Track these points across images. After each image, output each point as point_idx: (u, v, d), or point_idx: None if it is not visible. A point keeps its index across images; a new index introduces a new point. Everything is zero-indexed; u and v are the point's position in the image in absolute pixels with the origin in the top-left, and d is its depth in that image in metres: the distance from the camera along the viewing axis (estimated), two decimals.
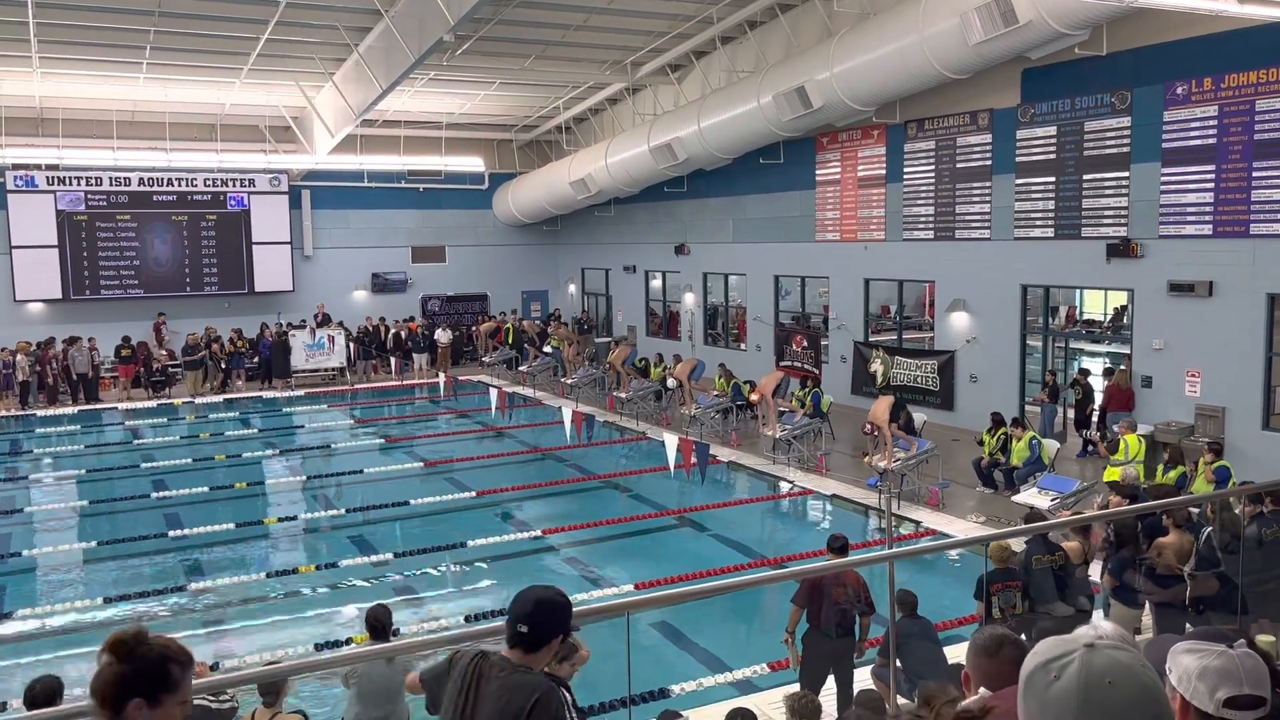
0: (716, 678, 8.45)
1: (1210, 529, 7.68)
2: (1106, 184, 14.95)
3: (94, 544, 12.79)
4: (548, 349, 26.18)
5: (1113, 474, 11.98)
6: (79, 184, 25.16)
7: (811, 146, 20.70)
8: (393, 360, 26.47)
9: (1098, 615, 8.05)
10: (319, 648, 9.26)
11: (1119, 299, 17.04)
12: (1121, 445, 12.17)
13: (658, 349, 23.66)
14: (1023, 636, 7.31)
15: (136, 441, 19.33)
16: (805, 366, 20.68)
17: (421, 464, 16.93)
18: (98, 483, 16.05)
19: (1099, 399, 15.48)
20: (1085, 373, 16.20)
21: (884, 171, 19.07)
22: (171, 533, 13.03)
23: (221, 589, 11.04)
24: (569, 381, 22.45)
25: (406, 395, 24.74)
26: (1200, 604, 7.20)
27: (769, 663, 8.46)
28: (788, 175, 21.42)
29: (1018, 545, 7.83)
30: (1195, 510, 8.33)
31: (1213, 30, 13.21)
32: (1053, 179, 15.77)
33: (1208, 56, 13.39)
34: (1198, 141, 13.63)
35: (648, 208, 26.39)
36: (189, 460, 17.40)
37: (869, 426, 13.88)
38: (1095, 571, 8.24)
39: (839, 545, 7.55)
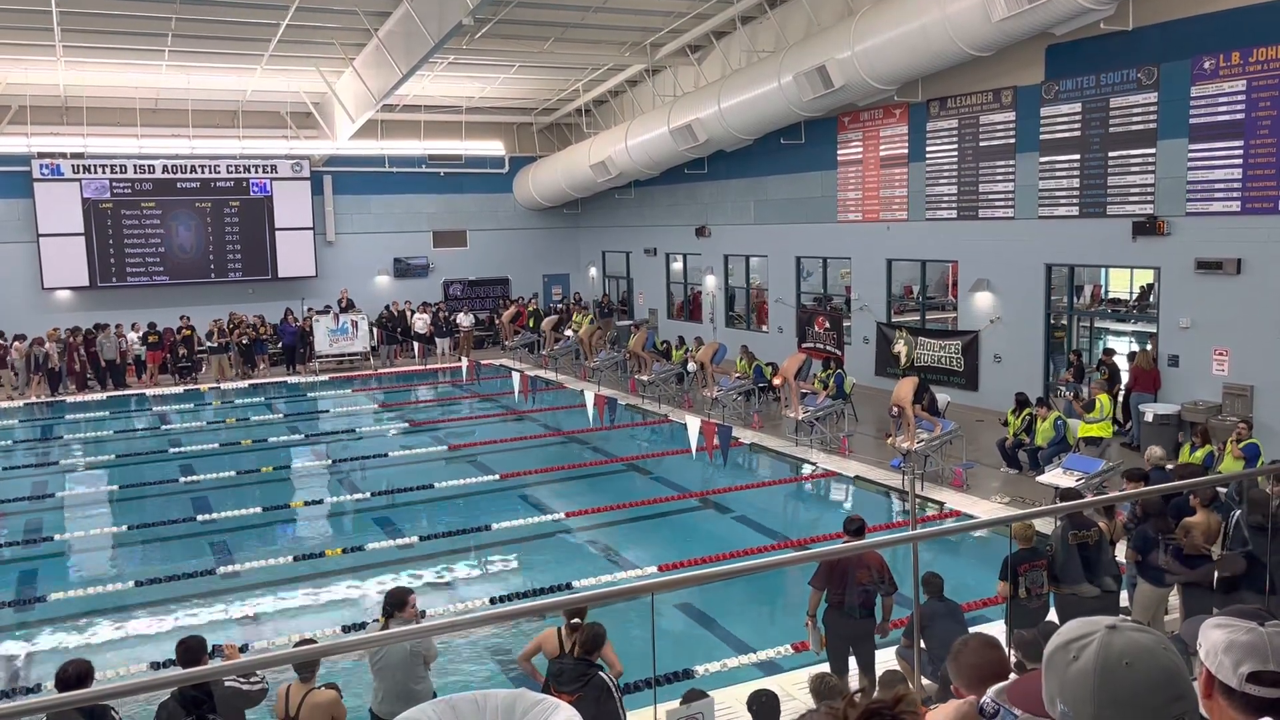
0: (740, 659, 8.48)
1: (1240, 511, 7.61)
2: (1132, 161, 14.78)
3: (124, 528, 12.96)
4: (569, 332, 26.22)
5: (1087, 430, 12.85)
6: (104, 172, 25.37)
7: (833, 126, 20.56)
8: (415, 345, 26.62)
9: (1124, 596, 8.02)
10: (346, 629, 9.36)
11: (1145, 277, 16.87)
12: (1097, 404, 12.89)
13: (679, 332, 23.63)
14: (1052, 616, 7.32)
15: (164, 427, 19.53)
16: (827, 348, 20.64)
17: (445, 447, 17.03)
18: (127, 468, 16.25)
19: (1125, 378, 15.37)
20: (1110, 352, 16.07)
21: (906, 151, 18.93)
22: (199, 517, 13.18)
23: (249, 572, 11.16)
24: (591, 365, 22.49)
25: (429, 379, 24.86)
26: (1228, 584, 7.14)
27: (793, 644, 8.48)
28: (809, 155, 21.29)
29: (1049, 523, 7.80)
30: (1223, 490, 8.26)
31: (1241, 3, 13.01)
32: (1077, 156, 15.60)
33: (1236, 30, 13.18)
34: (1226, 117, 13.43)
35: (668, 190, 26.32)
36: (216, 445, 17.58)
37: (895, 409, 13.84)
38: (1121, 553, 8.20)
39: (855, 527, 7.56)
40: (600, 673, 5.92)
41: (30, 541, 12.50)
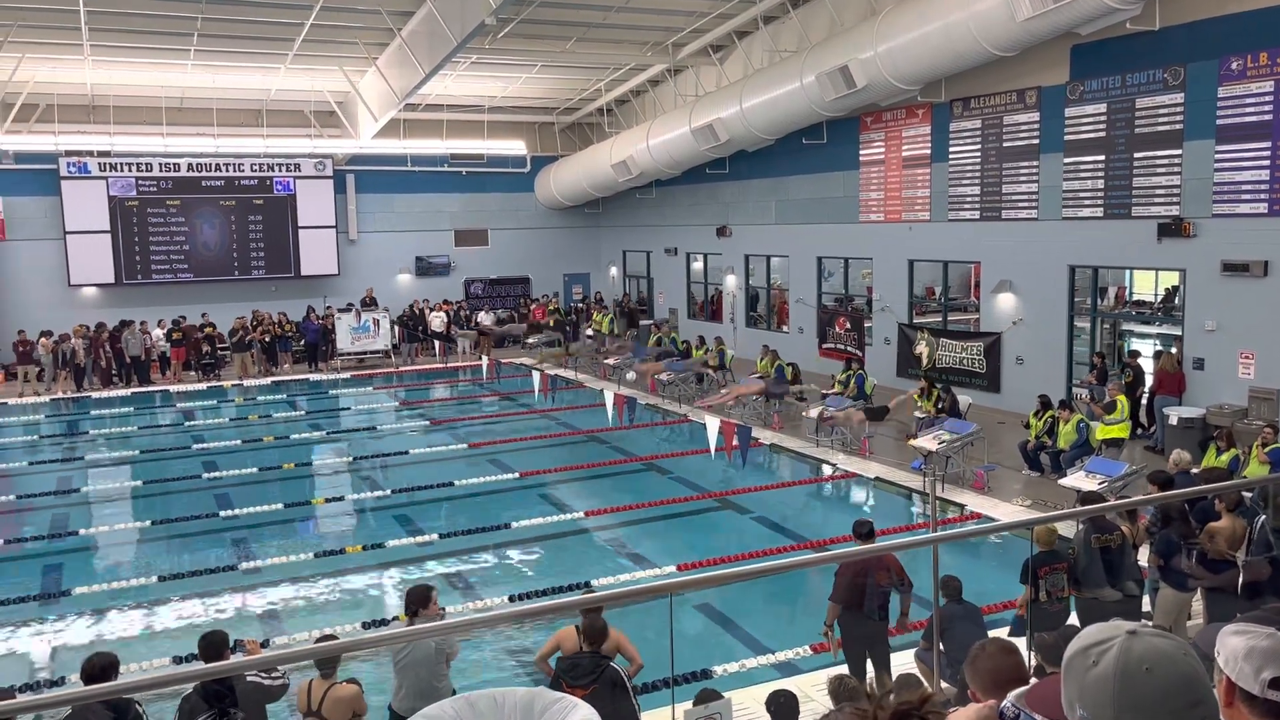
0: (759, 659, 8.47)
1: (1265, 516, 7.53)
2: (1158, 162, 14.65)
3: (148, 523, 13.08)
4: (589, 332, 26.29)
5: (1106, 432, 12.87)
6: (130, 170, 25.61)
7: (855, 126, 20.49)
8: (436, 343, 26.72)
9: (1146, 601, 7.95)
10: (366, 626, 9.41)
11: (1170, 279, 16.72)
12: (1118, 405, 12.99)
13: (699, 331, 23.63)
14: (1073, 619, 7.27)
15: (188, 423, 19.70)
16: (848, 349, 20.59)
17: (465, 446, 17.10)
18: (150, 464, 16.40)
19: (1149, 381, 15.24)
20: (1135, 354, 15.94)
21: (929, 151, 18.84)
22: (222, 513, 13.29)
23: (270, 568, 11.24)
24: (611, 363, 22.51)
25: (450, 378, 24.95)
26: (1252, 589, 7.08)
27: (811, 645, 8.46)
28: (831, 155, 21.23)
29: (1071, 526, 7.75)
30: (1249, 495, 8.17)
31: (1269, 3, 12.86)
32: (1102, 157, 15.48)
33: (1264, 30, 13.03)
34: (1254, 118, 13.29)
35: (689, 190, 26.30)
36: (238, 442, 17.71)
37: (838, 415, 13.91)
38: (1144, 557, 8.13)
39: (866, 530, 7.54)
40: (612, 665, 5.92)
41: (55, 536, 12.64)
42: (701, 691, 5.75)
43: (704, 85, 22.70)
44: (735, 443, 13.79)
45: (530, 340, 26.92)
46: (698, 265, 27.70)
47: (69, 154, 24.92)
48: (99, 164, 25.28)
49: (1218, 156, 13.78)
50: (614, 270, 31.48)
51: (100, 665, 5.46)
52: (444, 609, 7.74)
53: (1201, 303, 14.19)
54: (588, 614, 6.28)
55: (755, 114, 19.70)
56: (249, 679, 5.73)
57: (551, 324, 27.24)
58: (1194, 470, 10.12)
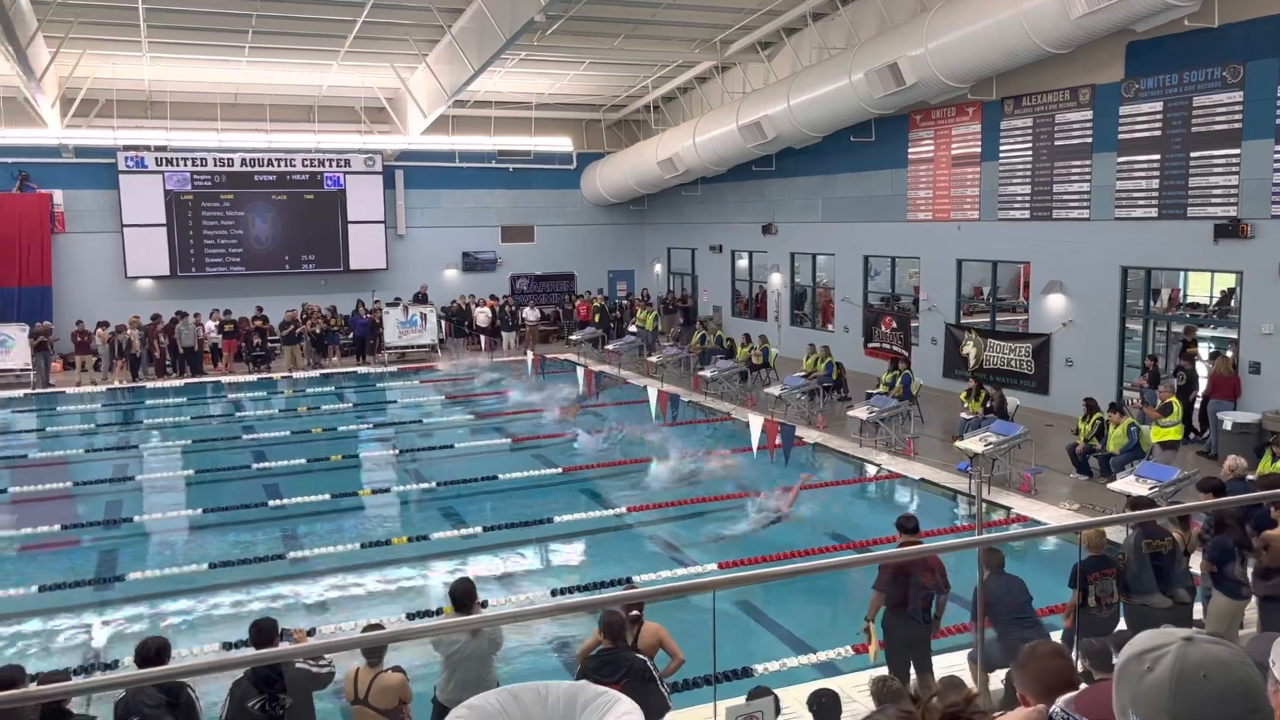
0: (800, 659, 8.45)
1: None
2: (1215, 162, 14.36)
3: (199, 511, 13.33)
4: (633, 328, 26.32)
5: (1160, 434, 12.72)
6: (185, 164, 26.08)
7: (904, 124, 20.31)
8: (482, 338, 26.92)
9: (1198, 609, 7.81)
10: (410, 617, 9.52)
11: (1226, 281, 16.38)
12: (1173, 407, 12.81)
13: (744, 329, 23.57)
14: (1121, 625, 7.17)
15: (238, 414, 20.03)
16: (894, 349, 20.43)
17: (509, 440, 17.20)
18: (202, 453, 16.71)
19: (1203, 385, 14.95)
20: (1191, 357, 15.62)
21: (979, 149, 18.62)
22: (271, 502, 13.50)
23: (317, 558, 11.41)
24: (654, 360, 22.52)
25: (495, 372, 25.10)
26: None
27: (853, 645, 8.42)
28: (879, 153, 21.06)
29: (1120, 531, 7.63)
30: None
31: None
32: (1157, 157, 15.20)
33: None
34: None
35: (735, 187, 26.23)
36: (287, 432, 17.97)
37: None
38: (1195, 564, 7.98)
39: (912, 525, 7.48)
40: (639, 657, 5.93)
41: (110, 522, 12.93)
42: (755, 689, 5.75)
43: (751, 82, 22.61)
44: (778, 441, 13.74)
45: (574, 336, 27.01)
46: (743, 263, 27.63)
47: (127, 148, 25.43)
48: (155, 158, 25.78)
49: (1277, 156, 13.47)
50: (658, 267, 31.48)
51: (154, 648, 5.60)
52: (484, 601, 7.82)
53: (1259, 305, 13.89)
54: (639, 613, 6.29)
55: (803, 111, 19.59)
56: (297, 666, 5.83)
57: (596, 320, 27.30)
58: (1250, 476, 9.91)
